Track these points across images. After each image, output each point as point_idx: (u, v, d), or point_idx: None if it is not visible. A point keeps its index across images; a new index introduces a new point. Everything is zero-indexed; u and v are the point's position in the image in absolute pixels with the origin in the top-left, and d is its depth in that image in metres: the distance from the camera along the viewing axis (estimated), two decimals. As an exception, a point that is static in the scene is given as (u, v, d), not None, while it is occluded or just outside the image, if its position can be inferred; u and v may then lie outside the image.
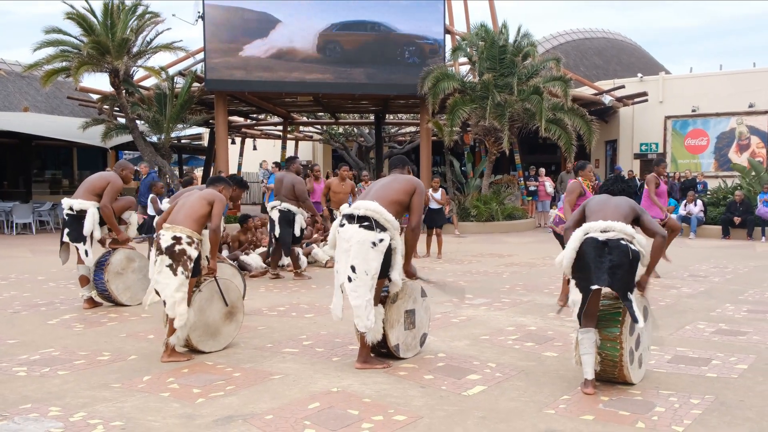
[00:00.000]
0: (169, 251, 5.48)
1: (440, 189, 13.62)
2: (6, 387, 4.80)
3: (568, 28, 35.02)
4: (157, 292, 5.54)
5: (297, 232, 9.78)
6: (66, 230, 7.73)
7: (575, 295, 4.72)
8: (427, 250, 12.84)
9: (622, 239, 4.65)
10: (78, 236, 7.60)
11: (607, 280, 4.57)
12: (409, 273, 5.50)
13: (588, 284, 4.62)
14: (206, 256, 5.77)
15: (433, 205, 13.00)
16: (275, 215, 9.76)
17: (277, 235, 9.77)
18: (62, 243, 7.85)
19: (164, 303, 5.48)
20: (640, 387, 4.78)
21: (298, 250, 10.04)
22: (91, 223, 7.57)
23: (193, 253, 5.52)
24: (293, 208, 9.75)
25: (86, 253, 7.62)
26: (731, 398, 4.58)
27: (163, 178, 18.43)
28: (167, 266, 5.45)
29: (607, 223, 4.71)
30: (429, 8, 19.27)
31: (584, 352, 4.65)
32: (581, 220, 5.01)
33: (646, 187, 9.85)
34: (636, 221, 4.95)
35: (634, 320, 4.57)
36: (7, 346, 6.00)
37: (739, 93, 23.65)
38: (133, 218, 8.28)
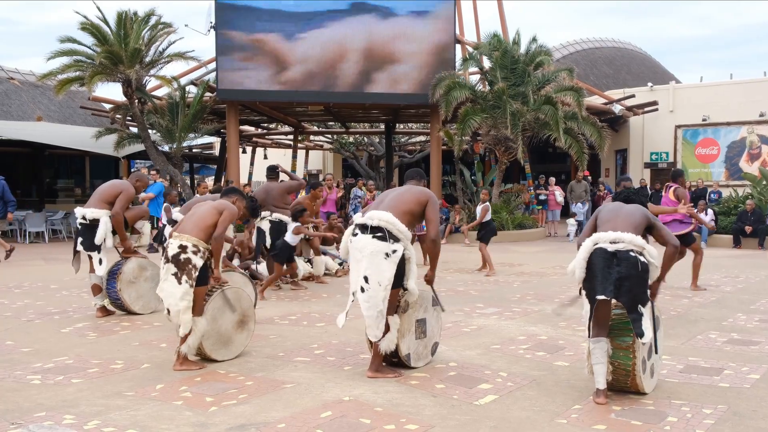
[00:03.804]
0: (175, 260, 5.51)
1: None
2: (20, 395, 4.84)
3: (578, 37, 35.04)
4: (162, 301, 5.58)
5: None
6: (79, 239, 7.79)
7: (586, 306, 4.73)
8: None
9: (632, 251, 4.65)
10: (91, 245, 7.66)
11: (613, 292, 4.57)
12: (429, 280, 5.59)
13: (595, 294, 4.62)
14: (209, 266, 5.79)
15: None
16: (266, 226, 9.72)
17: (269, 247, 9.74)
18: (75, 252, 7.93)
19: (167, 310, 5.52)
20: (652, 396, 4.78)
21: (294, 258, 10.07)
22: (103, 232, 7.63)
23: (198, 262, 5.53)
24: (284, 218, 9.74)
25: (100, 261, 7.67)
26: (744, 408, 4.56)
27: (174, 187, 18.55)
28: (172, 275, 5.49)
29: (617, 234, 4.70)
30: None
31: (596, 362, 4.65)
32: (595, 229, 5.01)
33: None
34: (649, 230, 4.94)
35: (638, 335, 4.56)
36: (21, 354, 6.05)
37: (750, 102, 23.57)
38: (146, 228, 8.36)
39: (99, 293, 7.78)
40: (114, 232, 7.79)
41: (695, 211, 10.52)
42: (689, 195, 10.27)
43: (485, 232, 11.88)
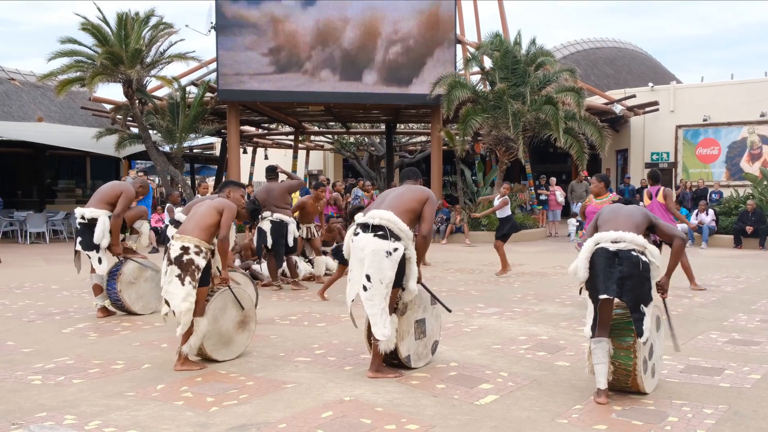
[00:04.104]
0: (178, 261, 5.52)
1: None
2: (21, 395, 4.85)
3: (579, 37, 35.01)
4: (167, 302, 5.58)
5: (290, 242, 9.78)
6: (78, 239, 7.80)
7: (589, 306, 4.73)
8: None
9: (633, 250, 4.65)
10: (89, 245, 7.66)
11: (615, 291, 4.58)
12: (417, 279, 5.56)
13: (598, 294, 4.63)
14: (217, 267, 5.80)
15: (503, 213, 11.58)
16: (266, 226, 9.72)
17: (270, 247, 9.76)
18: (76, 252, 7.94)
19: (173, 312, 5.52)
20: (652, 396, 4.78)
21: (295, 258, 10.06)
22: (101, 232, 7.63)
23: (201, 262, 5.55)
24: (285, 218, 9.75)
25: (99, 261, 7.67)
26: (745, 408, 4.56)
27: (175, 187, 18.55)
28: (176, 276, 5.50)
29: (618, 234, 4.71)
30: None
31: (597, 362, 4.65)
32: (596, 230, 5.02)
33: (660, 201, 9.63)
34: (651, 229, 4.94)
35: (638, 334, 4.56)
36: (22, 354, 6.06)
37: (751, 102, 23.55)
38: (145, 227, 8.35)
39: (100, 293, 7.79)
40: (110, 233, 7.79)
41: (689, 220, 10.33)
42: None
43: (509, 228, 11.44)
